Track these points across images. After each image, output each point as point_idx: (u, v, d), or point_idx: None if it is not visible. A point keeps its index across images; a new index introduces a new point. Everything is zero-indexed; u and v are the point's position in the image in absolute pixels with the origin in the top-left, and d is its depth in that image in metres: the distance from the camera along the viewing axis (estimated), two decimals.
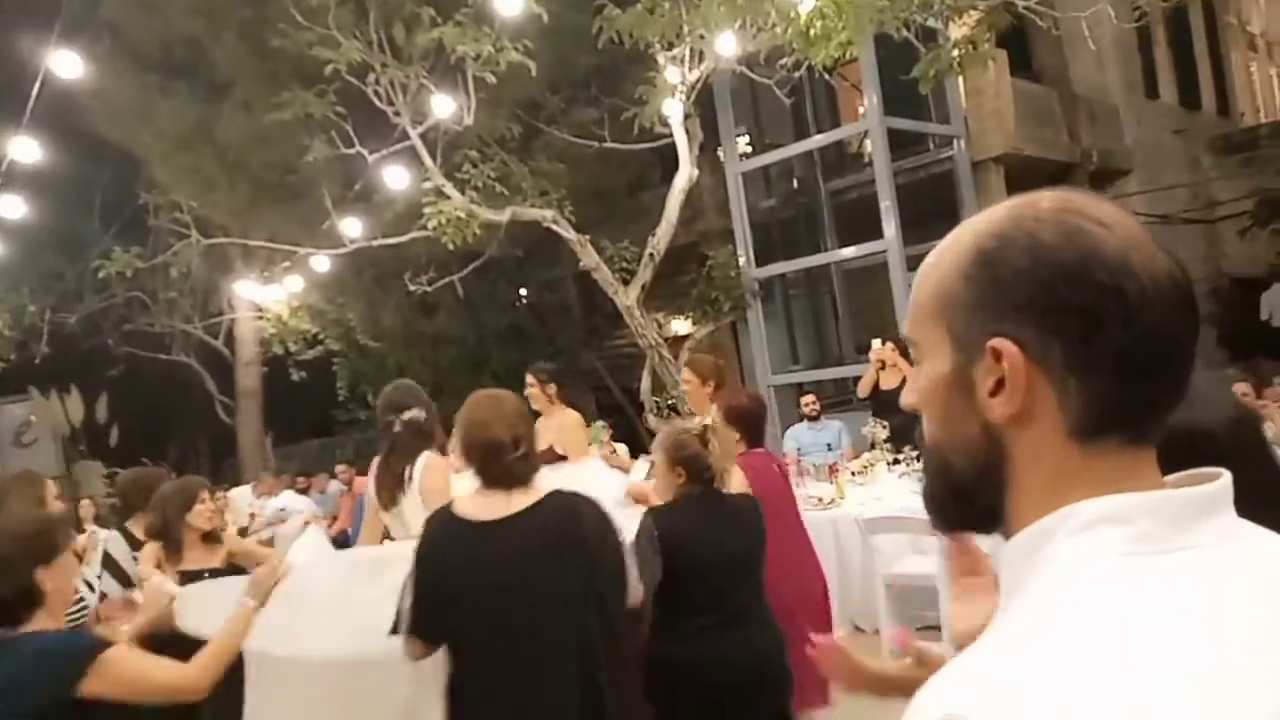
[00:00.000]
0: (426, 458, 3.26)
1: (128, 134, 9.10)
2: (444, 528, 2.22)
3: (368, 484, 3.44)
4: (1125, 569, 0.59)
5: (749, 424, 3.67)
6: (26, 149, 5.75)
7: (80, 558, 4.28)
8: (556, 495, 2.28)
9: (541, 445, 3.62)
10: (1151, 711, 0.52)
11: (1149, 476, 0.65)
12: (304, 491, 9.19)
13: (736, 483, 3.00)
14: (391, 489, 3.24)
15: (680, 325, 11.63)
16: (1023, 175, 9.65)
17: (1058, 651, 0.55)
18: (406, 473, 3.22)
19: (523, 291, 12.45)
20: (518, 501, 2.21)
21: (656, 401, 8.99)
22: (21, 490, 3.50)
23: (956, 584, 0.99)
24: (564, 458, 3.98)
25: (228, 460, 11.66)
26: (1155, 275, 0.63)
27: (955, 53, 6.71)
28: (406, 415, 3.28)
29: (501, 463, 2.22)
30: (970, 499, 0.70)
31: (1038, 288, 0.63)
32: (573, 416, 4.23)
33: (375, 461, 3.42)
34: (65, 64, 5.30)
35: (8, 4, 9.77)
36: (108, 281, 9.38)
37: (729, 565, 2.62)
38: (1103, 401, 0.63)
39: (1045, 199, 0.67)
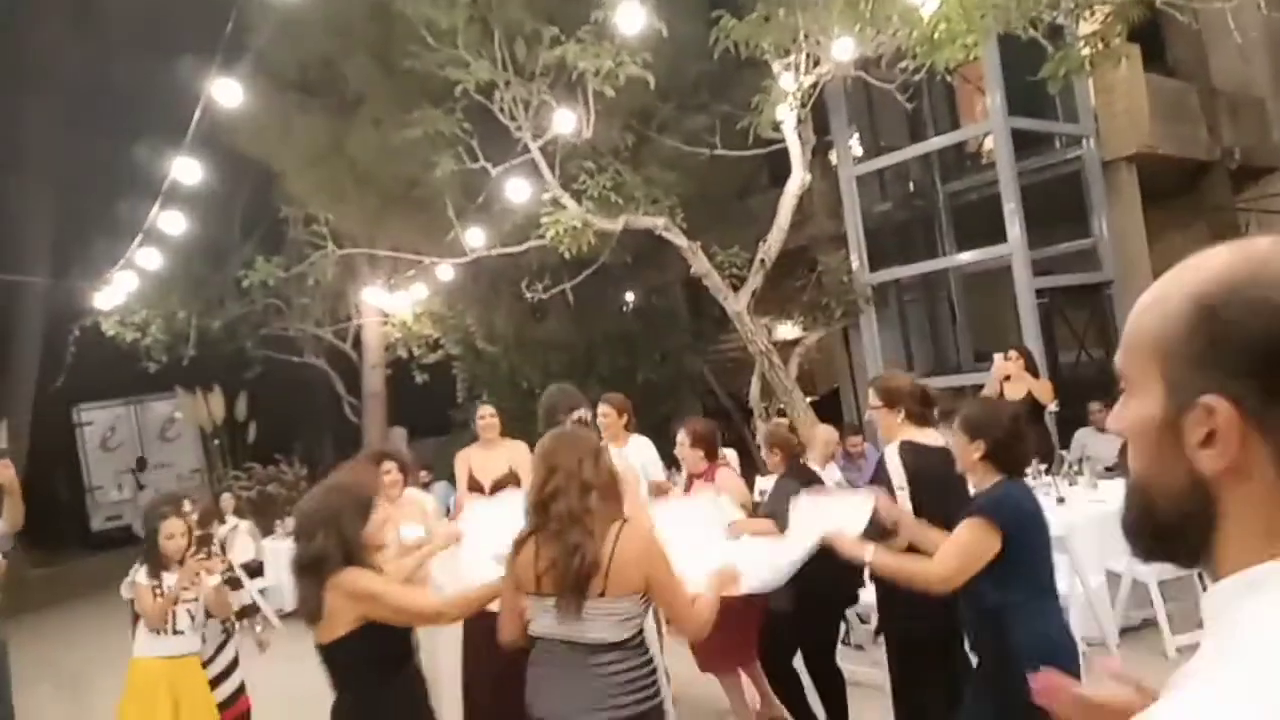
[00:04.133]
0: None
1: (267, 150, 9.69)
2: (931, 452, 3.21)
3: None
4: None
5: (709, 444, 4.24)
6: (188, 170, 6.23)
7: (223, 546, 4.67)
8: None
9: (501, 471, 4.50)
10: None
11: None
12: (426, 487, 9.58)
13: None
14: None
15: (786, 330, 11.54)
16: (1157, 175, 9.17)
17: None
18: None
19: (629, 297, 12.60)
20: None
21: (765, 407, 8.97)
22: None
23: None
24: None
25: (353, 457, 12.25)
26: None
27: (1085, 50, 6.44)
28: (576, 414, 3.49)
29: (932, 407, 3.29)
30: (1172, 540, 0.71)
31: (1261, 351, 0.63)
32: (523, 446, 4.81)
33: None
34: (225, 91, 5.73)
35: (164, 34, 10.57)
36: (248, 289, 10.03)
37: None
38: None
39: None
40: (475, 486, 4.63)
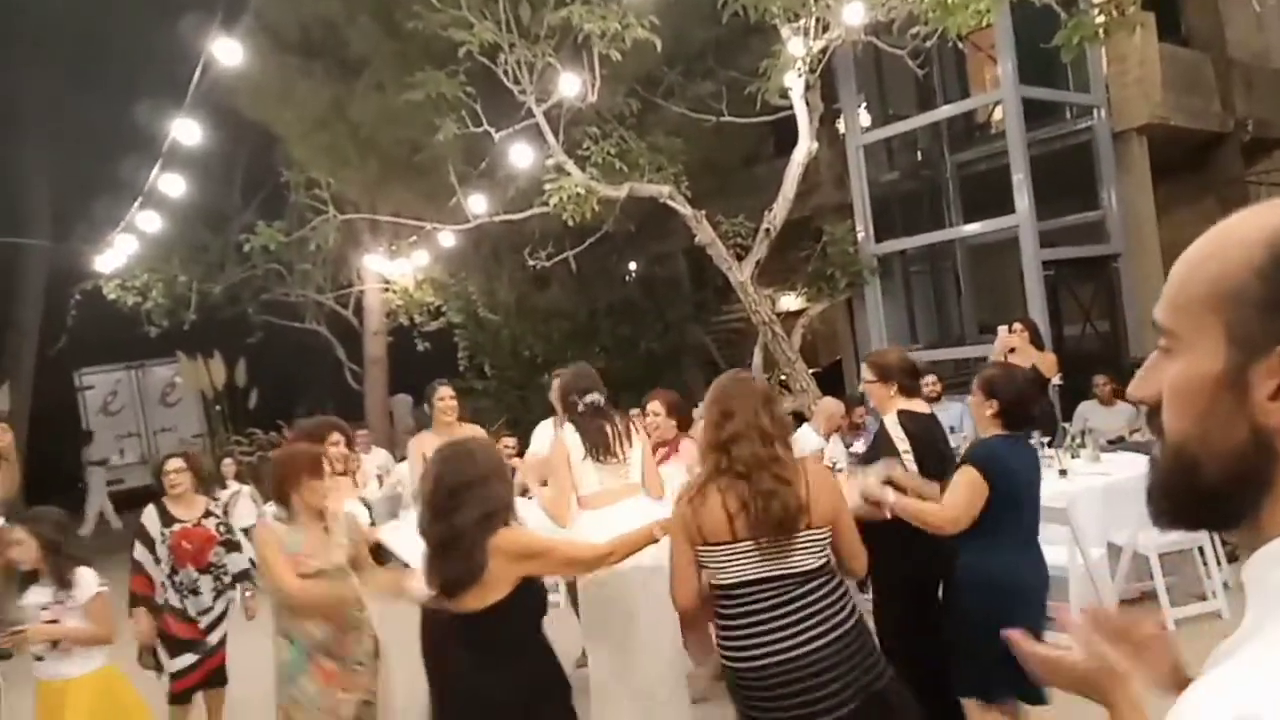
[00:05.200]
0: (643, 442, 3.69)
1: (268, 113, 9.57)
2: (923, 418, 3.52)
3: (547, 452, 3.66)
4: None
5: (682, 414, 4.59)
6: (189, 131, 6.15)
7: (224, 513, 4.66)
8: None
9: None
10: None
11: None
12: None
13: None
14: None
15: (790, 301, 11.48)
16: (1168, 147, 9.06)
17: None
18: (621, 453, 3.54)
19: (632, 266, 12.53)
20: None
21: (768, 379, 8.95)
22: None
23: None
24: None
25: (354, 424, 12.26)
26: None
27: (1100, 18, 6.33)
28: (589, 398, 3.55)
29: (919, 379, 3.61)
30: (1217, 501, 0.67)
31: None
32: (479, 432, 4.80)
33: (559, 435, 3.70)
34: (226, 51, 5.64)
35: None
36: (249, 254, 9.96)
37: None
38: None
39: None
40: None
